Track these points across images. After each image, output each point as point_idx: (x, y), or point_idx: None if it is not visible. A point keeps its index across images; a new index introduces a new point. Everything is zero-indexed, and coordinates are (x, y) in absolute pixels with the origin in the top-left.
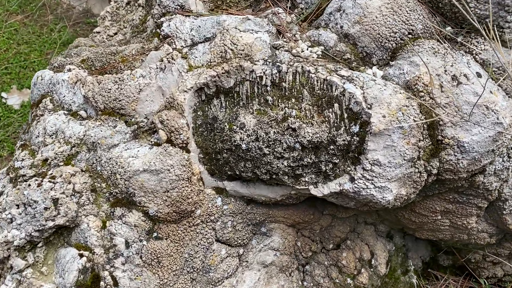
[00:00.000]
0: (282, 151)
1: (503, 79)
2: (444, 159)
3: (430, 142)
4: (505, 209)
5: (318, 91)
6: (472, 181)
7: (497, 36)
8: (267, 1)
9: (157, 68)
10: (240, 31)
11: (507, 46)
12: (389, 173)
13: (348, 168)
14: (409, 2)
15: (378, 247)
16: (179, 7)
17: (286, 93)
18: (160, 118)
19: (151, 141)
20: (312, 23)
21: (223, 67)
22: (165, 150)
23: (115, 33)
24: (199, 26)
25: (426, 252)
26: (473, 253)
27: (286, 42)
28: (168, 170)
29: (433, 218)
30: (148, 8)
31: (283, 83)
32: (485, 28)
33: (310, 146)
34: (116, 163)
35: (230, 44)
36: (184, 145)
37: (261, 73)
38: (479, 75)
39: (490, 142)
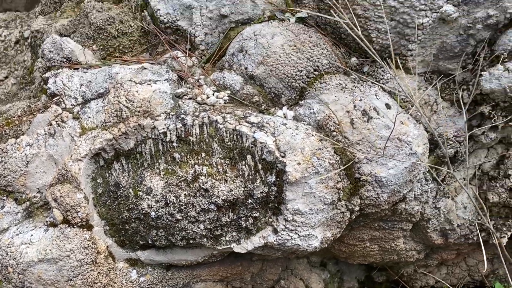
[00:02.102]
0: (196, 214)
1: (412, 107)
2: (365, 196)
3: (349, 182)
4: (429, 227)
5: (229, 143)
6: (394, 209)
7: (400, 64)
8: (164, 44)
9: (45, 133)
10: (136, 83)
11: (411, 73)
12: (311, 220)
13: (270, 220)
14: (311, 37)
15: (313, 279)
16: (65, 60)
17: (195, 148)
18: (53, 195)
19: (47, 221)
20: (216, 64)
21: (119, 129)
22: (62, 233)
23: (6, 77)
24: (90, 81)
25: (360, 272)
26: (405, 268)
27: (190, 88)
28: (68, 256)
29: (362, 246)
30: (34, 56)
31: (190, 137)
32: (389, 57)
33: (226, 204)
34: (7, 254)
35: (126, 101)
36: (84, 223)
37: (164, 129)
38: (388, 106)
39: (407, 173)
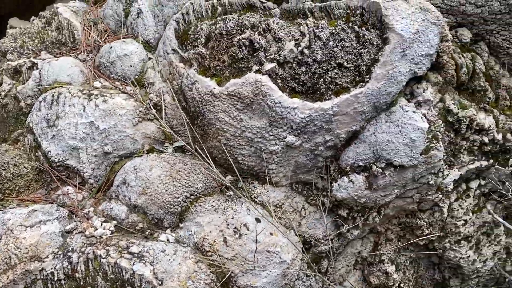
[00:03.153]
0: None
1: (281, 215)
2: None
3: None
4: None
5: (111, 276)
6: None
7: (268, 180)
8: (56, 181)
9: None
10: (27, 227)
11: (279, 185)
12: None
13: None
14: (186, 164)
15: None
16: None
17: (81, 283)
18: None
19: None
20: (106, 193)
21: (8, 276)
22: None
23: None
24: None
25: None
26: None
27: (80, 221)
28: None
29: None
30: None
31: (77, 274)
32: (257, 175)
33: None
34: None
35: (14, 248)
36: None
37: (52, 269)
38: (258, 220)
39: (280, 279)
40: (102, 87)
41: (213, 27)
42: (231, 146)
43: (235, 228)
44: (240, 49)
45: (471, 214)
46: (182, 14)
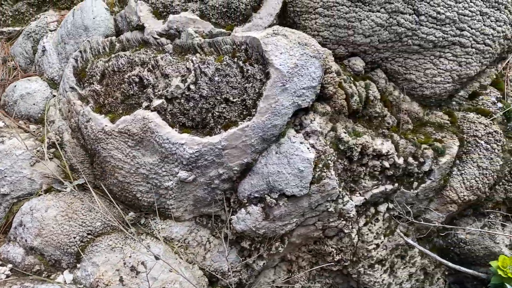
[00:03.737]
0: None
1: (185, 251)
2: None
3: None
4: None
5: None
6: None
7: (170, 214)
8: None
9: None
10: None
11: (181, 220)
12: None
13: None
14: (84, 203)
15: None
16: None
17: None
18: None
19: None
20: (6, 236)
21: None
22: None
23: None
24: None
25: None
26: None
27: None
28: None
29: None
30: None
31: None
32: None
33: None
34: None
35: None
36: None
37: None
38: (157, 257)
39: None
40: (5, 126)
41: (107, 64)
42: (128, 183)
43: (132, 266)
44: (131, 86)
45: (382, 237)
46: (80, 51)
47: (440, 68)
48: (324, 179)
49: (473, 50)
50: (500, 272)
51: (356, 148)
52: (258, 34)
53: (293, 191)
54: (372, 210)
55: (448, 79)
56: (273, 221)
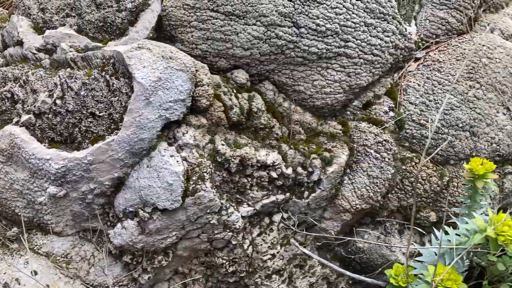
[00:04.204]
0: None
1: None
2: None
3: None
4: None
5: None
6: None
7: (51, 230)
8: None
9: None
10: None
11: (62, 235)
12: None
13: None
14: None
15: None
16: None
17: None
18: None
19: None
20: None
21: None
22: None
23: None
24: None
25: None
26: None
27: None
28: None
29: None
30: None
31: None
32: (39, 226)
33: None
34: None
35: None
36: None
37: None
38: (35, 272)
39: None
40: None
41: None
42: (5, 198)
43: (6, 283)
44: (3, 102)
45: (279, 247)
46: None
47: (328, 79)
48: (199, 191)
49: (361, 60)
50: (392, 281)
51: (233, 159)
52: (123, 48)
53: (165, 204)
54: (267, 220)
55: (339, 89)
56: (150, 235)
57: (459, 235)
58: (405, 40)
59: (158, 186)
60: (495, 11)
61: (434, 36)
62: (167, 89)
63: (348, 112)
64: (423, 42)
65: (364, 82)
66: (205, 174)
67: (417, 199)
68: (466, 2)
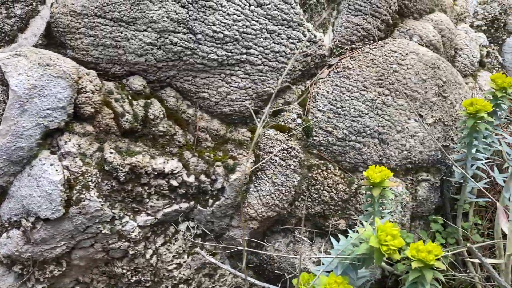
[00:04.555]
0: None
1: None
2: None
3: None
4: None
5: None
6: None
7: None
8: None
9: None
10: None
11: None
12: None
13: None
14: None
15: None
16: None
17: None
18: None
19: None
20: None
21: None
22: None
23: None
24: None
25: None
26: None
27: None
28: None
29: None
30: None
31: None
32: None
33: None
34: None
35: None
36: None
37: None
38: None
39: None
40: None
41: None
42: None
43: None
44: None
45: (186, 256)
46: None
47: (233, 86)
48: (84, 201)
49: (266, 67)
50: None
51: (121, 168)
52: (2, 55)
53: (46, 214)
54: (172, 229)
55: (246, 96)
56: (36, 244)
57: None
58: (315, 47)
59: (38, 196)
60: (419, 17)
61: (349, 43)
62: (44, 96)
63: (259, 119)
64: (338, 48)
65: (272, 89)
66: (90, 183)
67: (324, 206)
68: (382, 8)
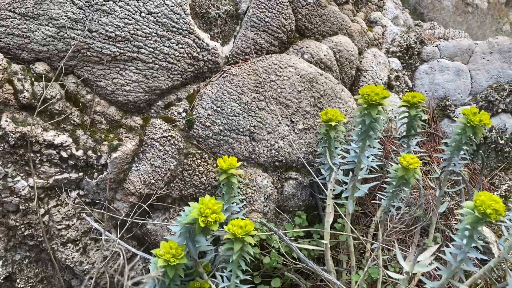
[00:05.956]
0: None
1: None
2: None
3: None
4: None
5: None
6: None
7: None
8: None
9: None
10: None
11: None
12: None
13: None
14: None
15: None
16: None
17: None
18: None
19: None
20: None
21: None
22: None
23: None
24: None
25: None
26: None
27: None
28: None
29: None
30: None
31: None
32: None
33: None
34: None
35: None
36: None
37: None
38: None
39: None
40: None
41: None
42: None
43: None
44: None
45: (75, 220)
46: None
47: (127, 79)
48: None
49: (157, 66)
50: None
51: (12, 134)
52: None
53: None
54: (64, 195)
55: (138, 89)
56: None
57: None
58: (208, 54)
59: None
60: (322, 38)
61: (243, 54)
62: None
63: (152, 111)
64: (234, 58)
65: (164, 85)
66: None
67: (195, 189)
68: (275, 27)
